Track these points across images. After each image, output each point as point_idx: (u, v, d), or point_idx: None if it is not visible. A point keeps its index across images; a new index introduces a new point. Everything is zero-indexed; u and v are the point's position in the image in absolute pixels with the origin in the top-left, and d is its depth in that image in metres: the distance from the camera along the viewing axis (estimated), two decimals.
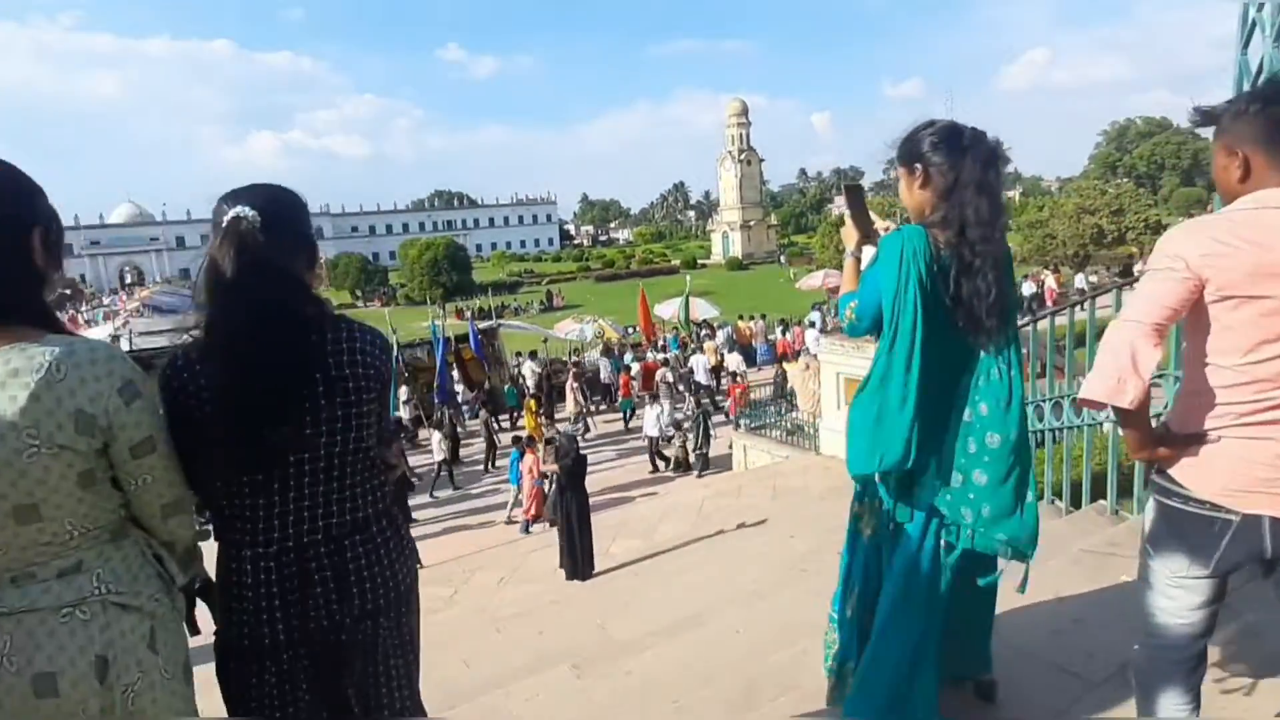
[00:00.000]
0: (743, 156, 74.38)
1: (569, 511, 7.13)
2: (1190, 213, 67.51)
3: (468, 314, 36.66)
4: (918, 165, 2.08)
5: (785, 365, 17.16)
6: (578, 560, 7.09)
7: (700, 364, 18.66)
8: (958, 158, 2.00)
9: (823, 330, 23.01)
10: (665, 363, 18.43)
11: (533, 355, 19.96)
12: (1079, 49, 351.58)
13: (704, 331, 23.89)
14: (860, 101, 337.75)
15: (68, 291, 72.85)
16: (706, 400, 15.52)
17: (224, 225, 1.54)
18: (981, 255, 1.97)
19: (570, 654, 4.07)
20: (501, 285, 59.36)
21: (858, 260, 2.37)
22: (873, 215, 2.38)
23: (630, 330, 24.31)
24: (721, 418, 15.77)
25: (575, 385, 16.88)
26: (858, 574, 2.34)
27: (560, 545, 7.29)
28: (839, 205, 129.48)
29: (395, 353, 18.78)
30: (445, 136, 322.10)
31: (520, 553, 9.07)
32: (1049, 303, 29.66)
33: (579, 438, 12.44)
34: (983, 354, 2.06)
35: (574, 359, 20.09)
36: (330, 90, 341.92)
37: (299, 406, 1.52)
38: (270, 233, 1.56)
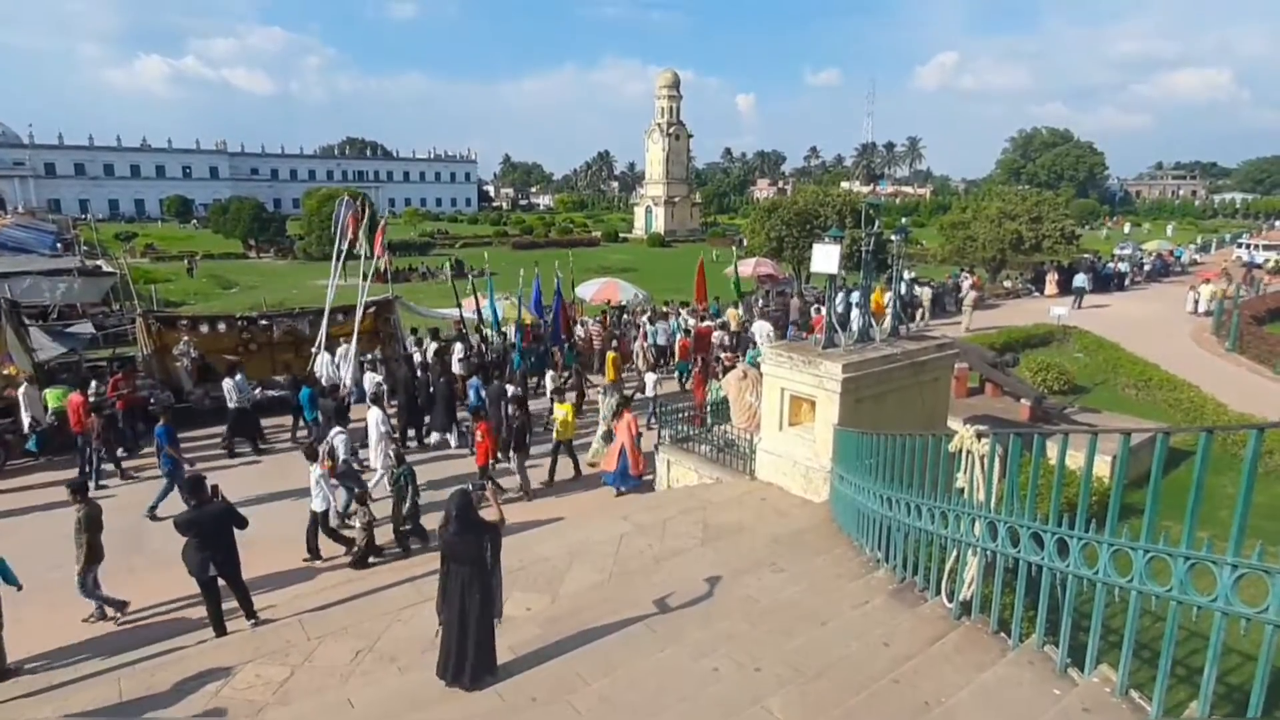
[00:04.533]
0: (671, 130, 72.40)
1: (462, 591, 5.17)
2: (1086, 223, 71.18)
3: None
4: None
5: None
6: (464, 660, 5.17)
7: (763, 330, 19.02)
8: None
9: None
10: (723, 326, 19.96)
11: (435, 334, 17.79)
12: (985, 55, 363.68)
13: (625, 317, 22.06)
14: (783, 86, 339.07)
15: None
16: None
17: None
18: None
19: None
20: (411, 245, 55.55)
21: None
22: None
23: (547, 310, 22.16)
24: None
25: (646, 345, 18.48)
26: None
27: (441, 637, 5.36)
28: (762, 188, 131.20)
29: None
30: (359, 81, 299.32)
31: (391, 606, 7.14)
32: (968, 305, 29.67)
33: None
34: None
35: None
36: (231, 17, 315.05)
37: None
38: None
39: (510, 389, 13.47)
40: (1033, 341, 21.54)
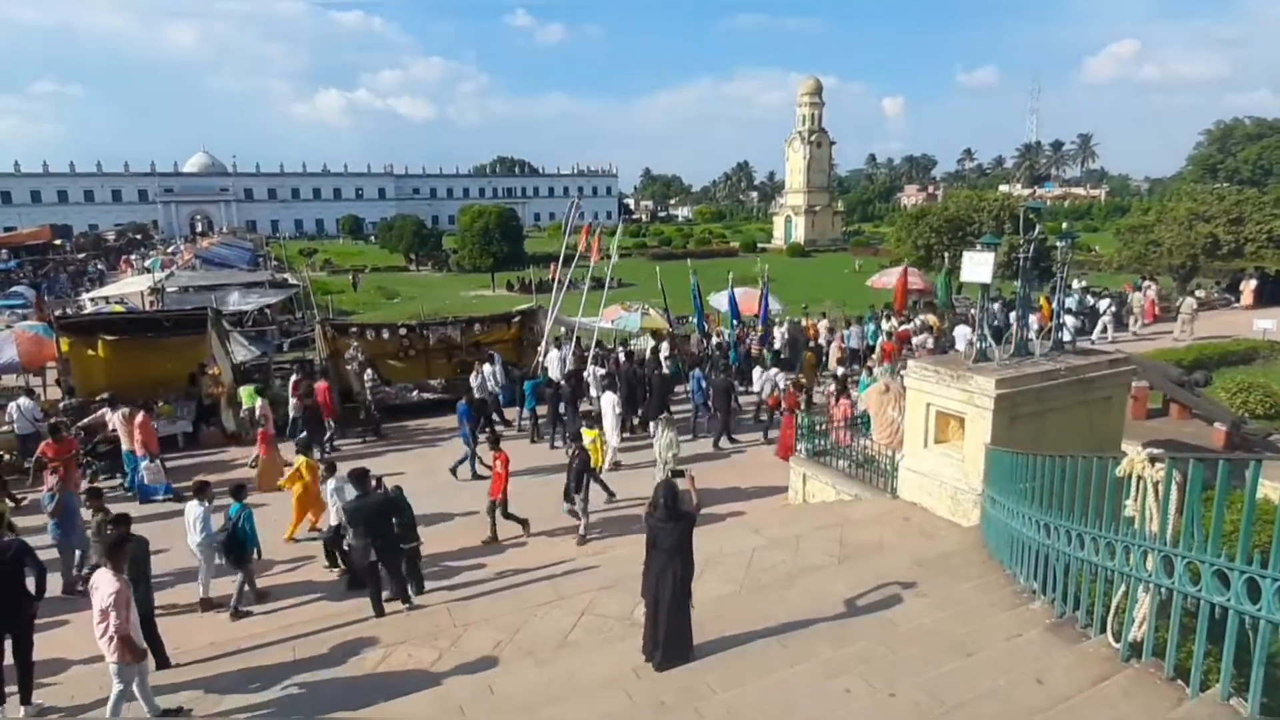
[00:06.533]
0: (813, 138, 70.94)
1: (657, 576, 5.68)
2: None
3: (515, 285, 35.25)
4: None
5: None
6: (657, 641, 5.64)
7: (963, 334, 18.84)
8: None
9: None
10: (928, 328, 20.18)
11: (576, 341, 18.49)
12: (1170, 43, 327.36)
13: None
14: (933, 87, 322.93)
15: (138, 236, 74.97)
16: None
17: None
18: None
19: None
20: (555, 257, 57.90)
21: None
22: None
23: (683, 320, 22.37)
24: None
25: (841, 346, 19.27)
26: None
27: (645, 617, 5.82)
28: (910, 195, 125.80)
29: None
30: (508, 103, 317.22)
31: (529, 602, 7.48)
32: (1148, 318, 26.71)
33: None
34: None
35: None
36: (397, 50, 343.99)
37: None
38: None
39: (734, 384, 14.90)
40: (1231, 359, 19.05)
